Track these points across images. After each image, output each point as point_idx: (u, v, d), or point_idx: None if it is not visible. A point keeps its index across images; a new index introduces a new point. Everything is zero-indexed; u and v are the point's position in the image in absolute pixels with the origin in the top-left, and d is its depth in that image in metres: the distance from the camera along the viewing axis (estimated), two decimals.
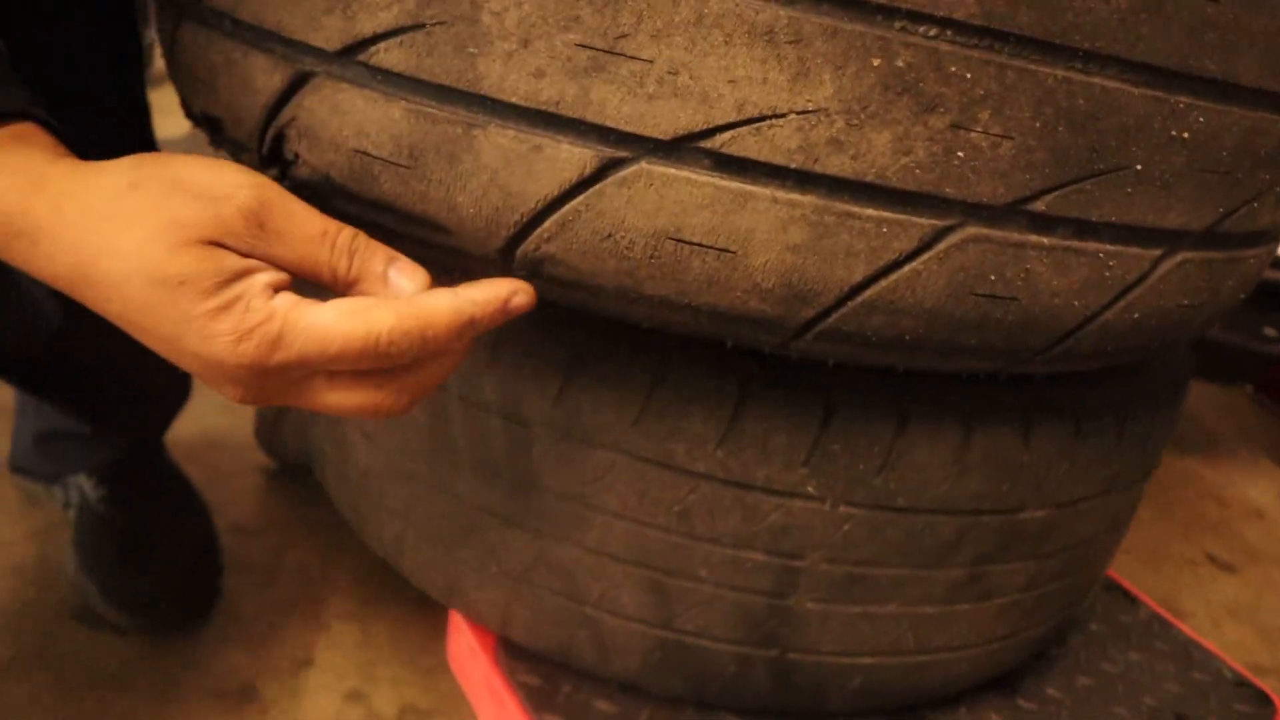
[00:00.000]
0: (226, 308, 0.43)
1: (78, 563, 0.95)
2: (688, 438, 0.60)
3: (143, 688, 0.90)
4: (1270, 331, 1.77)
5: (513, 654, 0.73)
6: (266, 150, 0.57)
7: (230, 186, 0.44)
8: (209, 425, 1.30)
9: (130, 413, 1.03)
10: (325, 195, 0.56)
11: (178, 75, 0.64)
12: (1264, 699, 0.88)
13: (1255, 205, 0.58)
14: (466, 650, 0.76)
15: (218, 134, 0.62)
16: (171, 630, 0.96)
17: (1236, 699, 0.88)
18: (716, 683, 0.69)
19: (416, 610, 1.06)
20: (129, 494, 1.00)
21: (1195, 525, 1.59)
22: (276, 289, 0.44)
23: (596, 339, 0.60)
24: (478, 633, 0.75)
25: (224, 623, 0.99)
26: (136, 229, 0.42)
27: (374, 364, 0.45)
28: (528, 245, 0.50)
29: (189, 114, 0.66)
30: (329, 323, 0.44)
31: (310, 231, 0.46)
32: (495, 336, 0.62)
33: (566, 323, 0.61)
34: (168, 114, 0.84)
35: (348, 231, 0.48)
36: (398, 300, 0.46)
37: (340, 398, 0.47)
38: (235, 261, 0.43)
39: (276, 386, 0.45)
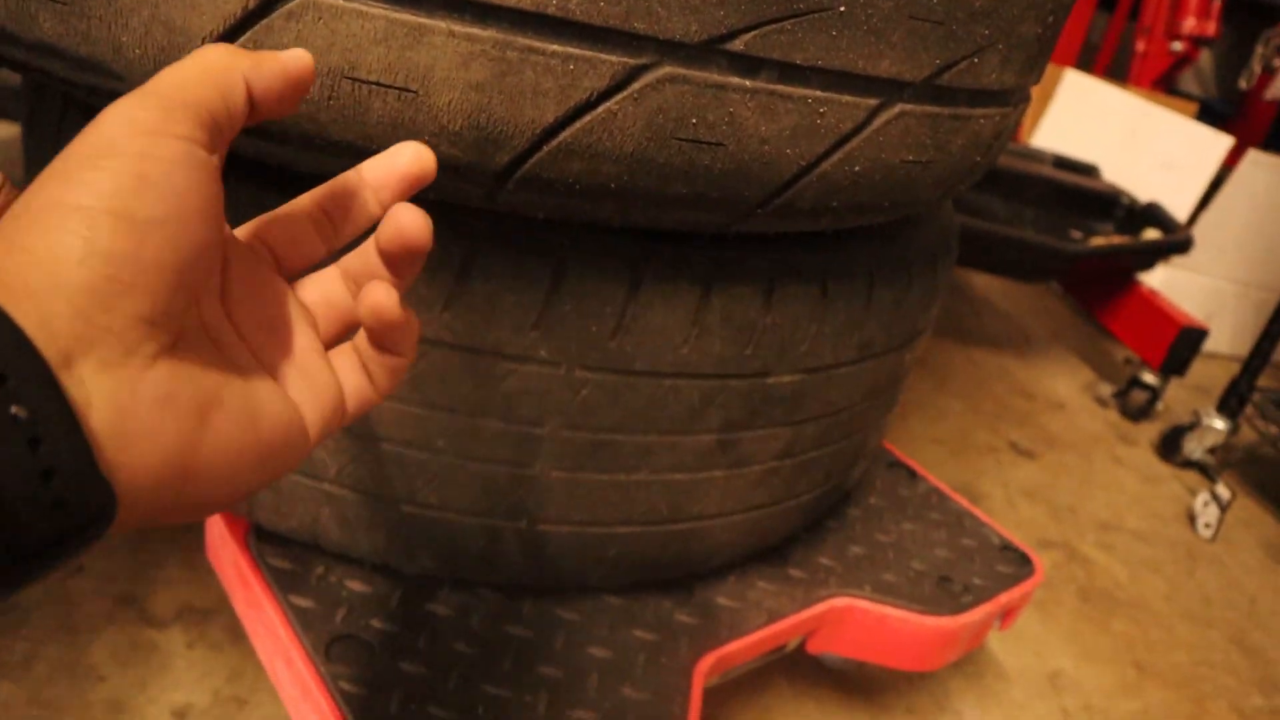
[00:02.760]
0: None
1: None
2: (413, 300, 0.58)
3: None
4: (1076, 233, 1.85)
5: (263, 539, 0.71)
6: None
7: None
8: None
9: None
10: None
11: None
12: (1025, 560, 0.93)
13: (976, 61, 0.58)
14: (218, 539, 0.73)
15: None
16: None
17: (1000, 561, 0.92)
18: (467, 557, 0.68)
19: None
20: None
21: (1002, 417, 1.66)
22: None
23: None
24: (228, 520, 0.72)
25: None
26: None
27: None
28: None
29: None
30: None
31: None
32: None
33: (281, 185, 0.58)
34: None
35: None
36: None
37: None
38: None
39: None
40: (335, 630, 0.66)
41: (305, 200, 0.39)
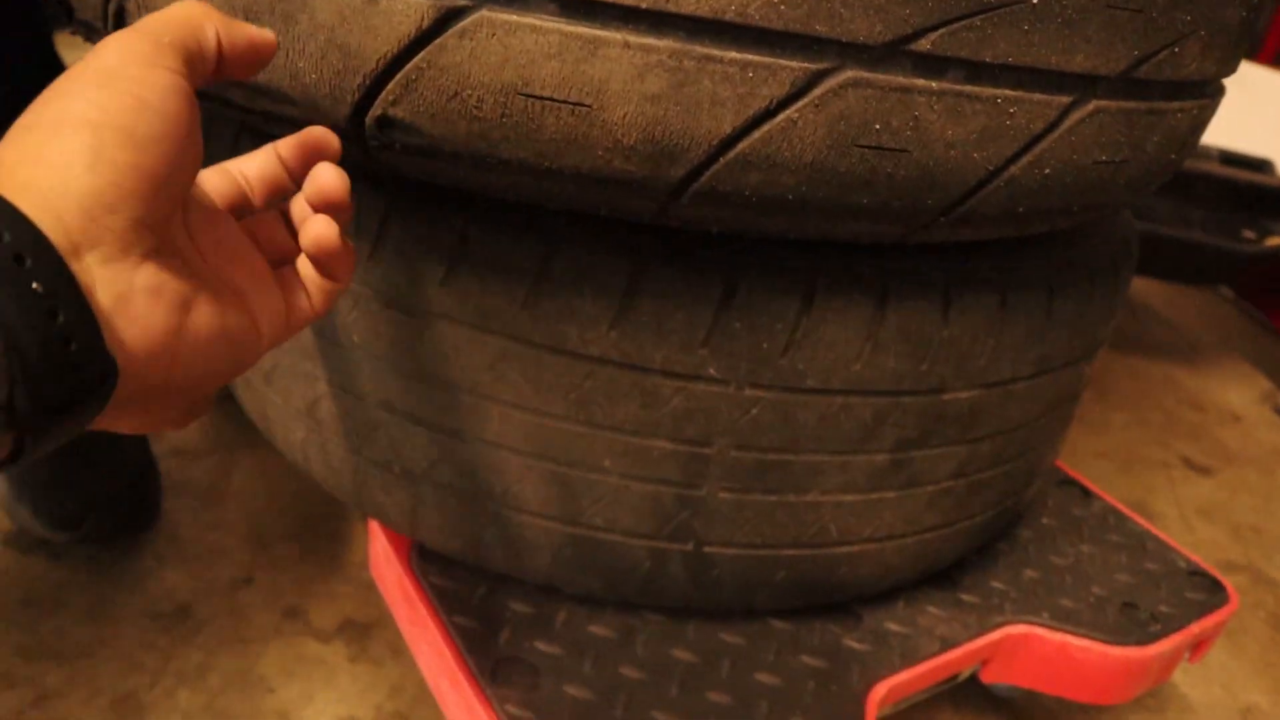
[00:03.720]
0: None
1: (9, 487, 0.93)
2: (580, 319, 0.57)
3: (76, 608, 0.89)
4: (1249, 234, 1.73)
5: (427, 558, 0.71)
6: (111, 26, 0.53)
7: None
8: None
9: None
10: None
11: None
12: (1217, 587, 0.86)
13: (1176, 50, 0.54)
14: (382, 556, 0.74)
15: (71, 18, 0.59)
16: (101, 545, 0.95)
17: (1189, 588, 0.86)
18: (632, 580, 0.67)
19: (359, 527, 1.04)
20: None
21: (1171, 430, 1.56)
22: None
23: (481, 218, 0.57)
24: (392, 538, 0.73)
25: (163, 544, 0.98)
26: None
27: None
28: (375, 111, 0.47)
29: (47, 4, 0.63)
30: None
31: None
32: (379, 222, 0.59)
33: (450, 203, 0.58)
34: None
35: None
36: None
37: None
38: None
39: None
40: (500, 652, 0.65)
41: (233, 165, 0.46)
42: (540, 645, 0.67)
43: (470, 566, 0.71)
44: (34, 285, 0.29)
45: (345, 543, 1.01)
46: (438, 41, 0.44)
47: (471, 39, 0.43)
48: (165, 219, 0.35)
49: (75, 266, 0.32)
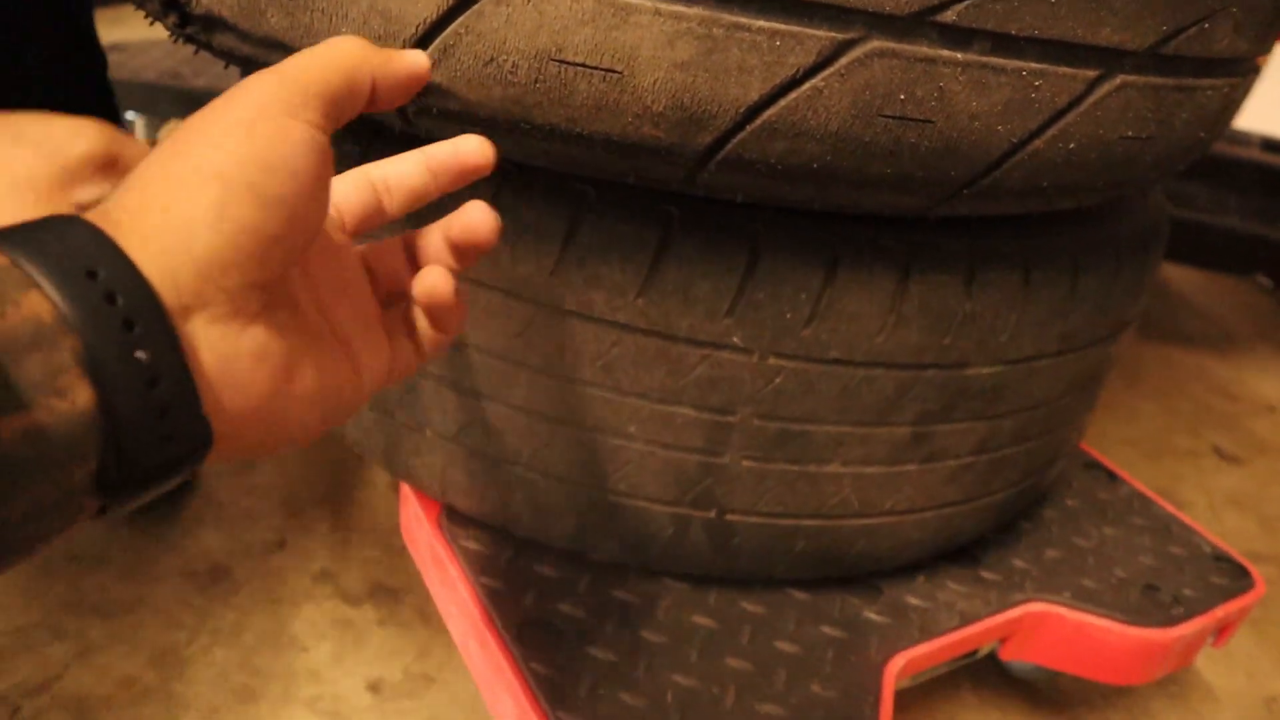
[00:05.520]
0: None
1: None
2: (607, 286, 0.58)
3: (117, 566, 0.92)
4: None
5: (456, 521, 0.73)
6: None
7: (69, 133, 0.41)
8: None
9: None
10: (220, 35, 0.55)
11: None
12: (1242, 572, 0.86)
13: (1206, 26, 0.54)
14: (413, 519, 0.76)
15: None
16: (142, 507, 0.98)
17: (1213, 572, 0.86)
18: (655, 545, 0.68)
19: (390, 494, 1.06)
20: None
21: (1202, 419, 1.55)
22: None
23: (511, 185, 0.58)
24: (423, 501, 0.75)
25: (200, 507, 1.01)
26: None
27: None
28: None
29: None
30: None
31: None
32: None
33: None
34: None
35: None
36: None
37: None
38: None
39: None
40: (526, 613, 0.67)
41: (375, 170, 0.44)
42: (564, 608, 0.68)
43: (498, 530, 0.73)
44: (138, 354, 0.28)
45: (375, 510, 1.03)
46: (476, 7, 0.45)
47: (508, 5, 0.44)
48: (281, 276, 0.34)
49: (182, 329, 0.30)
